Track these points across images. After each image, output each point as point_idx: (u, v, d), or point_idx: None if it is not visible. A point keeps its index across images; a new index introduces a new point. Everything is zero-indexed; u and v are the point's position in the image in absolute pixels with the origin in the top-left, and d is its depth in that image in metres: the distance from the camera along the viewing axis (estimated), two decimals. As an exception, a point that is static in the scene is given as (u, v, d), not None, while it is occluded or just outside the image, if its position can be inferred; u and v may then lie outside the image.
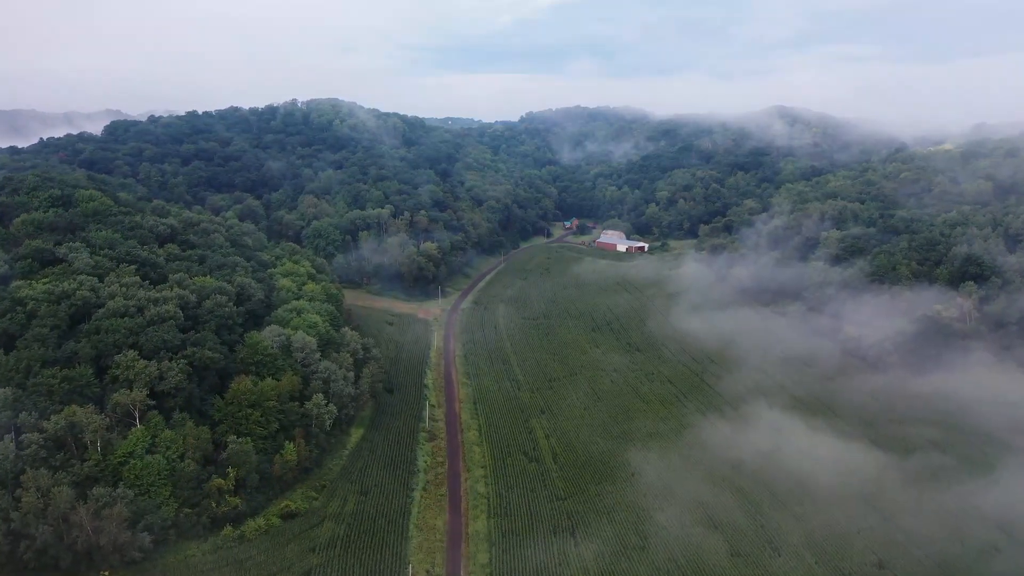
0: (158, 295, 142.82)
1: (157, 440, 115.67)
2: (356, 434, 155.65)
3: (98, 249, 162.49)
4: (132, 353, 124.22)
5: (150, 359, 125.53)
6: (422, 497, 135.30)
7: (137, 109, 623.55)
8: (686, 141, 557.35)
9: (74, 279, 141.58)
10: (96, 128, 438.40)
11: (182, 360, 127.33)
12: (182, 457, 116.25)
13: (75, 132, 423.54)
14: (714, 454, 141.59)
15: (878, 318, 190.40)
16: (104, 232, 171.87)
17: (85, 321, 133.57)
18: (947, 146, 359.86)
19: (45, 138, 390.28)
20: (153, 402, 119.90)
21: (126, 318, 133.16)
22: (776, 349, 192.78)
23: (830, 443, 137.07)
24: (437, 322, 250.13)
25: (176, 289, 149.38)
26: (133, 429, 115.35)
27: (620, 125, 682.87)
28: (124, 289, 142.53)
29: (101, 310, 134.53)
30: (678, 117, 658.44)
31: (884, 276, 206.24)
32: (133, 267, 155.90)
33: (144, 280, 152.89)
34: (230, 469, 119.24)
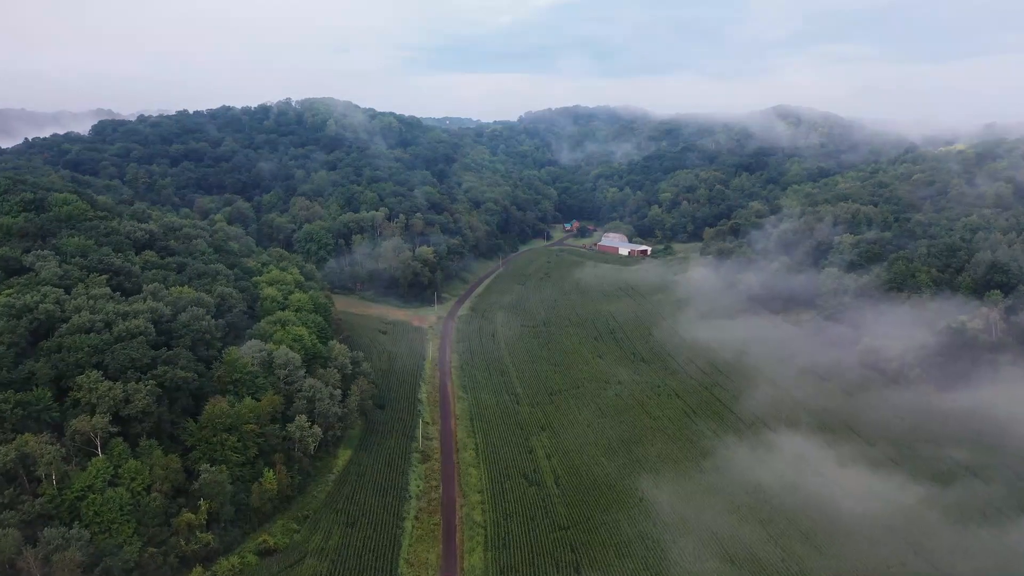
0: (128, 308, 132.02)
1: (120, 471, 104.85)
2: (343, 456, 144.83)
3: (69, 257, 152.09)
4: (95, 373, 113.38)
5: (116, 380, 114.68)
6: (414, 527, 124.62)
7: (130, 109, 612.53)
8: (688, 141, 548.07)
9: (38, 291, 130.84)
10: (85, 128, 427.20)
11: (151, 381, 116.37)
12: (148, 489, 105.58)
13: (62, 132, 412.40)
14: (730, 479, 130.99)
15: (898, 329, 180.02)
16: (76, 238, 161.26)
17: (48, 338, 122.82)
18: (959, 146, 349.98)
19: (30, 138, 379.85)
20: (117, 428, 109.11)
21: (92, 334, 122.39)
22: (791, 361, 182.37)
23: (858, 469, 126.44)
24: (433, 330, 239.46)
25: (149, 301, 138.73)
26: (94, 459, 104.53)
27: (620, 125, 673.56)
28: (92, 302, 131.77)
29: (65, 325, 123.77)
30: (679, 117, 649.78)
31: (903, 284, 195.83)
32: (104, 277, 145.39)
33: (116, 291, 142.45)
34: (202, 501, 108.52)
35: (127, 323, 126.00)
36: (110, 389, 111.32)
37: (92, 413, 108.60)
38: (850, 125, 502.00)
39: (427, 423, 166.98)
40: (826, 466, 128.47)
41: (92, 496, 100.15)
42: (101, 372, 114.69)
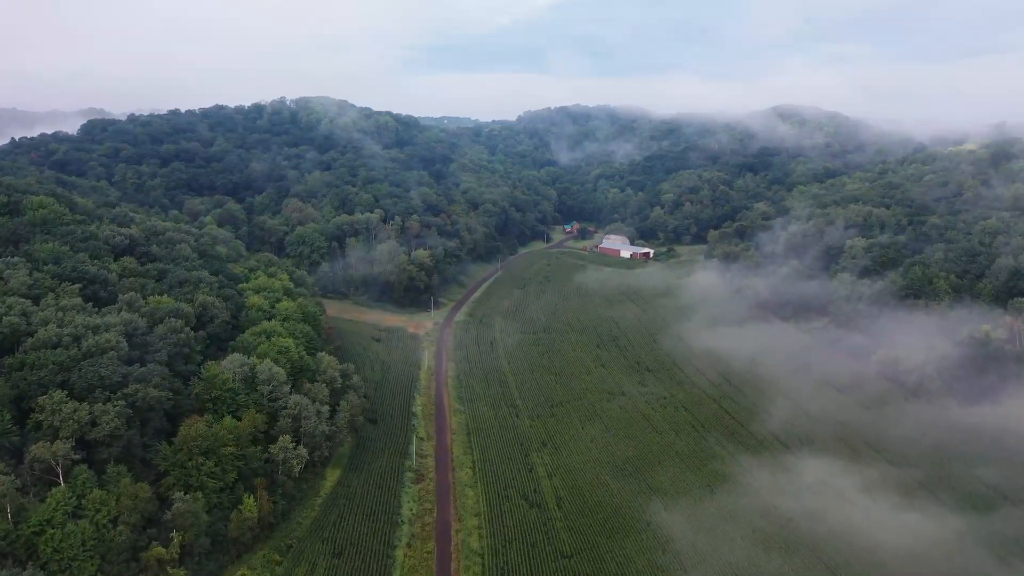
0: (99, 321, 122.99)
1: (84, 502, 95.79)
2: (332, 477, 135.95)
3: (41, 264, 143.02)
4: (59, 393, 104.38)
5: (82, 400, 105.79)
6: (406, 556, 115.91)
7: (123, 109, 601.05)
8: (689, 141, 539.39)
9: (3, 302, 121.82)
10: (76, 128, 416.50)
11: (120, 401, 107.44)
12: (114, 522, 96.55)
13: (51, 132, 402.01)
14: (747, 504, 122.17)
15: (916, 338, 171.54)
16: (50, 244, 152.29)
17: (12, 353, 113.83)
18: (969, 146, 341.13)
19: (17, 138, 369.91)
20: (80, 455, 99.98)
21: (59, 349, 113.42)
22: (804, 372, 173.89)
23: (885, 494, 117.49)
24: (429, 338, 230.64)
25: (123, 313, 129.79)
26: (54, 490, 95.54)
27: (620, 124, 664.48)
28: (60, 314, 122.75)
29: (30, 340, 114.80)
30: (680, 116, 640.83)
31: (920, 290, 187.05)
32: (77, 286, 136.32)
33: (89, 301, 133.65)
34: (174, 533, 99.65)
35: (97, 337, 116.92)
36: (75, 411, 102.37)
37: (55, 437, 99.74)
38: (855, 125, 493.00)
39: (421, 439, 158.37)
40: (850, 491, 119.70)
41: (51, 531, 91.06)
42: (66, 392, 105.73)
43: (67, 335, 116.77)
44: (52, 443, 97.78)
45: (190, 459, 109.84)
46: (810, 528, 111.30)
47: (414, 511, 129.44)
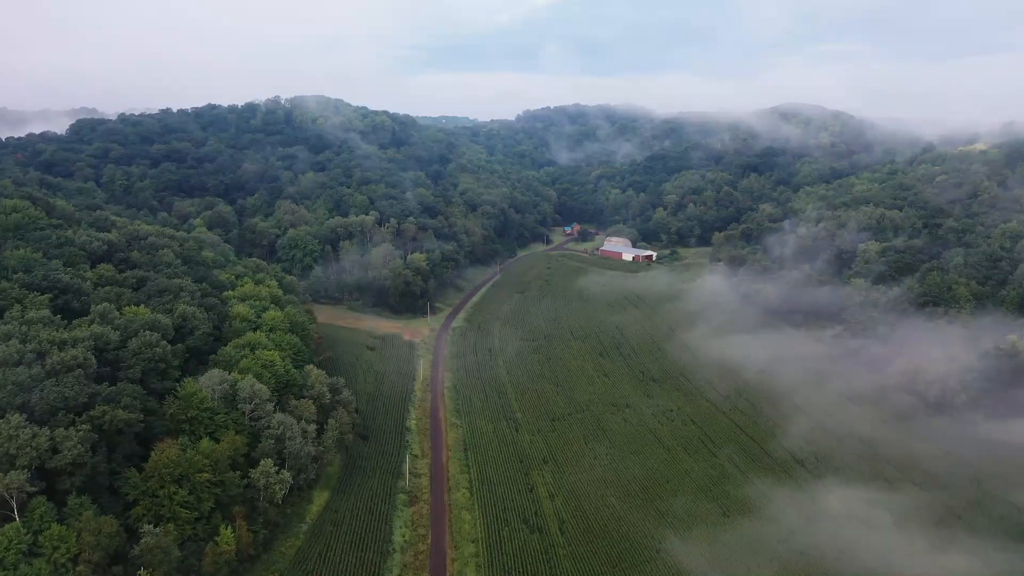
0: (67, 335, 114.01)
1: (41, 538, 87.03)
2: (319, 500, 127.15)
3: (10, 273, 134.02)
4: (17, 417, 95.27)
5: (43, 424, 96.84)
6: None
7: (116, 109, 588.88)
8: (691, 140, 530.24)
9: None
10: (66, 127, 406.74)
11: (85, 425, 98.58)
12: (75, 560, 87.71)
13: (40, 132, 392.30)
14: (766, 532, 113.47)
15: (936, 348, 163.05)
16: (22, 251, 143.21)
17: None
18: (980, 146, 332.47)
19: (4, 138, 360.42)
20: (36, 488, 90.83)
21: (20, 367, 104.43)
22: (819, 383, 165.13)
23: (919, 526, 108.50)
24: (425, 345, 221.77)
25: (95, 325, 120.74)
26: (7, 525, 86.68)
27: (621, 124, 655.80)
28: (25, 328, 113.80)
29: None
30: (681, 115, 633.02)
31: (939, 298, 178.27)
32: (47, 296, 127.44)
33: (59, 312, 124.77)
34: (142, 571, 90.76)
35: (63, 354, 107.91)
36: (34, 437, 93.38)
37: (10, 467, 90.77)
38: (861, 124, 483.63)
39: (416, 456, 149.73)
40: (877, 518, 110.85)
41: (3, 572, 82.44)
42: (25, 416, 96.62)
43: (30, 351, 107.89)
44: (6, 473, 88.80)
45: (162, 487, 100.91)
46: (835, 559, 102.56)
47: (407, 538, 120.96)
